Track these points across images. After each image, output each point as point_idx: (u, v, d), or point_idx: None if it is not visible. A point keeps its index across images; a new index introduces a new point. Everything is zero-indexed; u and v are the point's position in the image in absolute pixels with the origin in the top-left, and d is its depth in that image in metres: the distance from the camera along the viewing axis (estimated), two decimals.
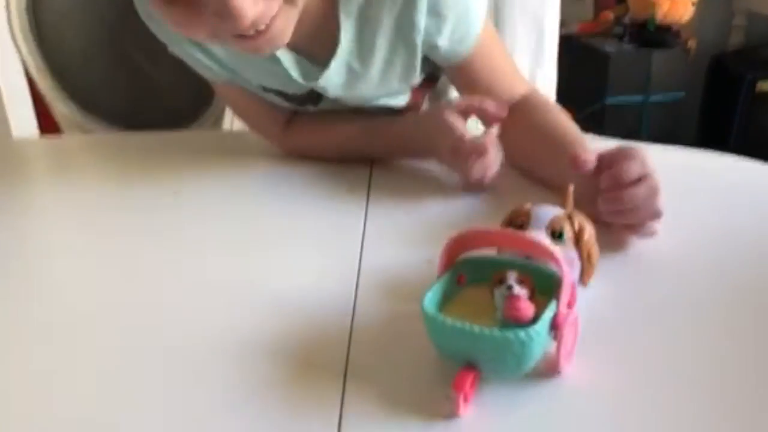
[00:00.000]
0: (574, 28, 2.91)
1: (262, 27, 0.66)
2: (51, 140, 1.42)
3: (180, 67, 0.93)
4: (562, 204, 0.63)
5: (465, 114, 0.83)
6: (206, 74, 0.92)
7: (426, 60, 0.88)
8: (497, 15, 1.25)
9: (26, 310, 0.66)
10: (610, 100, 2.75)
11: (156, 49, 0.90)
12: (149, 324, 0.62)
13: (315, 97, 0.91)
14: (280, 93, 0.92)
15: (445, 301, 0.52)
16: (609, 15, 2.95)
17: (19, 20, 1.65)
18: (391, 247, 0.72)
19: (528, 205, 0.59)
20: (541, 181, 0.83)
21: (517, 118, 0.85)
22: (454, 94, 1.00)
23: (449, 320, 0.47)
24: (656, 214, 0.67)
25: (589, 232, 0.56)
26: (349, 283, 0.65)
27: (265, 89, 0.92)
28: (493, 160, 0.79)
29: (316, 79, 0.86)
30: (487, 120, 0.83)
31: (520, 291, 0.48)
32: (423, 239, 0.72)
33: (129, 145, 1.17)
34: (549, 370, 0.50)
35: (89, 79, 1.77)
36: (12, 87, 1.67)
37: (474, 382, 0.48)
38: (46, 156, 1.17)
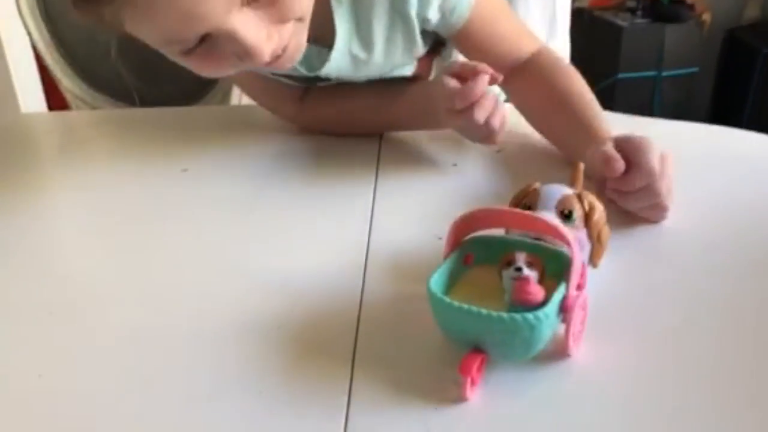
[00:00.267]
0: (587, 2, 2.87)
1: (280, 52, 0.68)
2: (59, 115, 1.42)
3: None
4: (571, 182, 0.62)
5: (459, 76, 0.81)
6: None
7: (426, 30, 0.86)
8: None
9: (33, 286, 0.65)
10: (623, 75, 2.71)
11: None
12: (152, 304, 0.61)
13: (324, 77, 0.91)
14: (288, 76, 0.91)
15: (452, 282, 0.52)
16: None
17: None
18: (400, 225, 0.72)
19: (536, 185, 0.58)
20: (554, 145, 0.82)
21: (526, 78, 0.83)
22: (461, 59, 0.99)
23: (456, 303, 0.46)
24: (662, 209, 0.67)
25: (599, 211, 0.55)
26: (358, 262, 0.64)
27: (273, 73, 0.91)
28: (492, 104, 0.77)
29: (319, 68, 0.85)
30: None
31: (530, 273, 0.47)
32: (433, 216, 0.71)
33: (137, 121, 1.16)
34: (558, 352, 0.50)
35: (96, 55, 1.76)
36: (20, 62, 1.66)
37: (481, 365, 0.47)
38: (54, 131, 1.17)
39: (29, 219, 0.80)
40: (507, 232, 0.56)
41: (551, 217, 0.52)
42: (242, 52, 0.63)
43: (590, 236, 0.54)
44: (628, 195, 0.67)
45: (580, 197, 0.55)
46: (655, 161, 0.65)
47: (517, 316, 0.44)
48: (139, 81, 1.71)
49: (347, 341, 0.53)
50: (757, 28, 2.86)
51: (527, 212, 0.51)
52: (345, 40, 0.83)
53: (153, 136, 1.05)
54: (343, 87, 0.95)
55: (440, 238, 0.53)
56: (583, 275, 0.50)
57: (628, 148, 0.67)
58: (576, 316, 0.48)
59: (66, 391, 0.51)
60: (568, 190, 0.56)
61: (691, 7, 2.75)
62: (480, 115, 0.76)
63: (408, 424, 0.45)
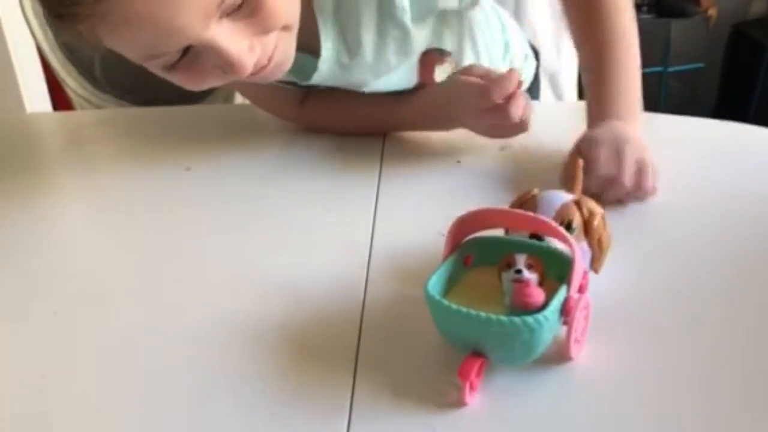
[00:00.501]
0: None
1: (265, 62, 0.66)
2: (64, 115, 1.42)
3: None
4: (570, 181, 0.61)
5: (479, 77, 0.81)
6: None
7: (425, 29, 0.86)
8: None
9: (37, 285, 0.65)
10: None
11: None
12: (154, 303, 0.61)
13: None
14: (285, 82, 0.91)
15: (451, 284, 0.51)
16: None
17: None
18: (404, 223, 0.71)
19: (534, 191, 0.57)
20: None
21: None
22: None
23: (454, 306, 0.45)
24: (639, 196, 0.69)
25: (599, 217, 0.54)
26: (361, 261, 0.64)
27: None
28: (524, 99, 0.78)
29: (309, 78, 0.85)
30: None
31: (530, 276, 0.46)
32: (437, 214, 0.70)
33: (141, 120, 1.17)
34: (560, 356, 0.49)
35: (100, 55, 1.76)
36: (25, 64, 1.67)
37: (481, 369, 0.46)
38: (59, 130, 1.17)
39: (34, 218, 0.80)
40: (507, 232, 0.55)
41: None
42: (224, 64, 0.62)
43: (591, 243, 0.54)
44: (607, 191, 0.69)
45: (579, 204, 0.55)
46: (601, 154, 0.69)
47: (517, 319, 0.43)
48: (142, 81, 1.71)
49: (350, 343, 0.53)
50: (763, 23, 2.84)
51: (527, 213, 0.51)
52: (331, 49, 0.83)
53: (156, 134, 1.05)
54: (346, 90, 0.94)
55: (443, 234, 0.52)
56: (585, 277, 0.49)
57: (583, 147, 0.70)
58: (578, 318, 0.47)
59: (69, 389, 0.51)
60: (566, 197, 0.55)
61: (697, 2, 2.74)
62: (516, 110, 0.77)
63: (411, 428, 0.45)
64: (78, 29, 0.58)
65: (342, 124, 0.97)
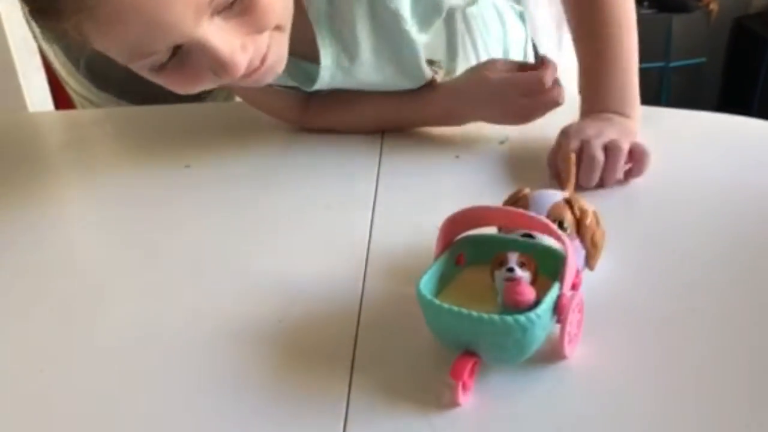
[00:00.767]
0: None
1: (258, 63, 0.65)
2: (65, 114, 1.43)
3: None
4: (564, 178, 0.61)
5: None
6: None
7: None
8: None
9: (37, 282, 0.66)
10: None
11: None
12: (152, 301, 0.61)
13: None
14: (285, 87, 0.91)
15: (444, 283, 0.50)
16: None
17: None
18: (402, 218, 0.72)
19: (526, 191, 0.57)
20: None
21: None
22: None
23: (445, 305, 0.45)
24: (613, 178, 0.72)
25: (591, 215, 0.54)
26: (359, 258, 0.64)
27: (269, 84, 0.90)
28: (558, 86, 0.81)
29: (312, 83, 0.85)
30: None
31: (522, 274, 0.46)
32: (435, 209, 0.70)
33: (141, 119, 1.17)
34: (553, 354, 0.48)
35: (101, 54, 1.76)
36: (27, 64, 1.67)
37: (474, 369, 0.46)
38: (61, 129, 1.18)
39: (35, 216, 0.80)
40: (499, 230, 0.55)
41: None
42: (215, 63, 0.61)
43: (584, 241, 0.54)
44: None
45: (570, 203, 0.54)
46: (570, 143, 0.72)
47: (509, 318, 0.43)
48: (143, 81, 1.71)
49: (347, 341, 0.53)
50: (765, 16, 2.83)
51: (519, 210, 0.50)
52: (330, 55, 0.82)
53: (156, 132, 1.06)
54: (351, 92, 0.94)
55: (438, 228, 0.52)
56: (578, 275, 0.49)
57: (560, 137, 0.74)
58: (571, 316, 0.47)
59: (67, 386, 0.51)
60: (558, 196, 0.55)
61: None
62: (562, 93, 0.80)
63: (407, 428, 0.44)
64: (64, 27, 0.56)
65: (349, 125, 0.96)
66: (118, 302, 0.62)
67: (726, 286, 0.57)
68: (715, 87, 2.95)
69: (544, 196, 0.55)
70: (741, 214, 0.67)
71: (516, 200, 0.56)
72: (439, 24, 0.88)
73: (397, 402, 0.47)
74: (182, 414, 0.48)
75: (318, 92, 0.94)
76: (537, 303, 0.45)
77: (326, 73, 0.83)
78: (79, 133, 1.13)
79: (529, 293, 0.45)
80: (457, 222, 0.51)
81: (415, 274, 0.49)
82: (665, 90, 2.78)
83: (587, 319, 0.50)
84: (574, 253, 0.48)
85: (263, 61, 0.65)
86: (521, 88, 0.81)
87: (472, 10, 0.96)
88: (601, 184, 0.72)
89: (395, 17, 0.80)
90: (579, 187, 0.70)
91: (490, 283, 0.48)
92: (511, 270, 0.47)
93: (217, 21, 0.60)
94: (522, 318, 0.43)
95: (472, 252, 0.53)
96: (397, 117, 0.93)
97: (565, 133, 0.75)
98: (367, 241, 0.67)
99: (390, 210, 0.74)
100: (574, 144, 0.72)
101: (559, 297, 0.46)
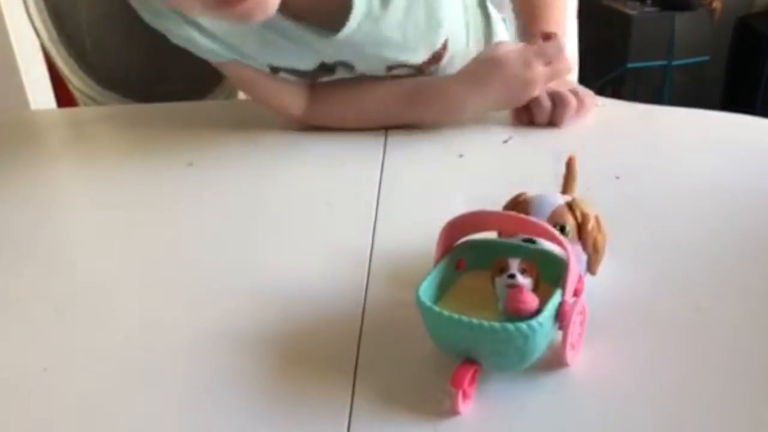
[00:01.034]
0: None
1: None
2: (67, 112, 1.43)
3: None
4: (565, 181, 0.61)
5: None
6: (211, 58, 0.90)
7: None
8: None
9: (39, 280, 0.66)
10: (632, 65, 2.68)
11: None
12: (154, 300, 0.61)
13: (329, 69, 0.89)
14: (290, 71, 0.90)
15: (444, 289, 0.50)
16: None
17: None
18: (405, 219, 0.71)
19: (526, 194, 0.56)
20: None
21: None
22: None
23: (445, 312, 0.44)
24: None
25: (593, 219, 0.53)
26: (362, 259, 0.63)
27: (273, 69, 0.90)
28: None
29: (336, 33, 0.84)
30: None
31: (524, 281, 0.45)
32: (438, 209, 0.70)
33: (143, 116, 1.18)
34: (555, 362, 0.48)
35: (103, 52, 1.77)
36: (29, 61, 1.67)
37: (474, 376, 0.45)
38: (63, 127, 1.19)
39: (37, 214, 0.80)
40: (499, 235, 0.55)
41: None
42: None
43: (585, 246, 0.53)
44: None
45: (571, 207, 0.54)
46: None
47: (510, 325, 0.42)
48: (145, 79, 1.71)
49: (350, 346, 0.52)
50: None
51: (520, 215, 0.50)
52: (366, 2, 0.82)
53: (159, 130, 1.06)
54: (352, 83, 0.93)
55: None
56: (580, 281, 0.49)
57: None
58: (573, 323, 0.46)
59: (70, 385, 0.51)
60: (559, 200, 0.54)
61: None
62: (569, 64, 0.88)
63: None
64: None
65: (353, 119, 0.96)
66: (120, 300, 0.62)
67: (732, 290, 0.56)
68: (718, 85, 2.94)
69: (544, 200, 0.55)
70: (746, 214, 0.66)
71: (516, 204, 0.56)
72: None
73: (400, 409, 0.46)
74: (183, 416, 0.47)
75: (318, 87, 0.94)
76: (539, 310, 0.44)
77: (355, 20, 0.83)
78: (81, 131, 1.13)
79: (531, 301, 0.44)
80: (457, 226, 0.50)
81: (418, 276, 0.48)
82: (668, 88, 2.77)
83: (589, 325, 0.50)
84: (576, 258, 0.48)
85: None
86: (540, 54, 0.85)
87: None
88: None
89: None
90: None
91: (491, 290, 0.47)
92: (512, 277, 0.46)
93: None
94: (523, 326, 0.43)
95: (472, 257, 0.52)
96: (401, 108, 0.93)
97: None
98: (370, 241, 0.67)
99: (393, 209, 0.73)
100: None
101: (561, 304, 0.45)
